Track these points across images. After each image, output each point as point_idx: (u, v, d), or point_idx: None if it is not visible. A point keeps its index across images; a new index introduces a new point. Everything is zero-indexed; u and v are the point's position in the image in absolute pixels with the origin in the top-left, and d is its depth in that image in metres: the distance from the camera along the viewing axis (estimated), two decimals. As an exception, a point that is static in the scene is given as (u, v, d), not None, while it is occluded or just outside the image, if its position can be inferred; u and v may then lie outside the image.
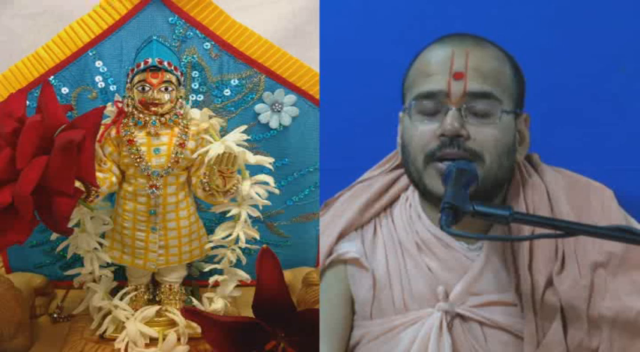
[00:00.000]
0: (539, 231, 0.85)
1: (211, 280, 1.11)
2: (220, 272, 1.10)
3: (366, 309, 0.96)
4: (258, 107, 1.24)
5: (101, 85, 1.20)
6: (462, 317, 0.92)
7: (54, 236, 1.04)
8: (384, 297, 0.95)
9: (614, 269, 0.90)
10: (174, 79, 1.02)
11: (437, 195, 0.90)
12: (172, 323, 1.09)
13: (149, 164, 1.03)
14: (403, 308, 0.93)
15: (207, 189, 1.02)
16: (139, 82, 1.01)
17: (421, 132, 0.91)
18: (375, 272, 0.96)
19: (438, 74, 0.91)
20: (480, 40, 0.93)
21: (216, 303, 1.10)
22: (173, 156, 1.03)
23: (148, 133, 1.03)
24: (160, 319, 1.10)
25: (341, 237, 0.98)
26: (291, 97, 1.24)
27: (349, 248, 0.97)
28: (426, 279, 0.93)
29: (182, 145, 1.03)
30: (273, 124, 1.25)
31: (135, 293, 1.12)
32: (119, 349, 1.04)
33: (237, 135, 1.04)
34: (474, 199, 0.82)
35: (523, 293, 0.90)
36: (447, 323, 0.91)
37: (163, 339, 1.04)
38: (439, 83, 0.90)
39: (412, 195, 0.99)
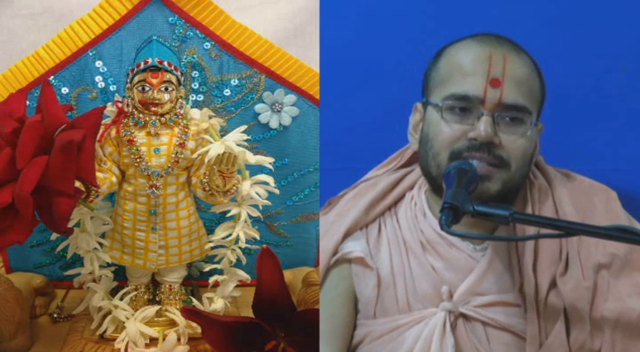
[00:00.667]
0: (543, 231, 0.85)
1: (211, 280, 1.11)
2: (220, 272, 1.10)
3: (370, 308, 0.96)
4: (258, 107, 1.24)
5: (101, 85, 1.20)
6: (466, 317, 0.92)
7: (54, 236, 1.04)
8: (388, 297, 0.95)
9: (617, 271, 0.90)
10: (174, 79, 1.02)
11: None
12: (172, 323, 1.09)
13: (149, 164, 1.03)
14: (407, 307, 0.93)
15: (207, 189, 1.02)
16: (139, 82, 1.01)
17: (451, 129, 0.91)
18: (380, 272, 0.96)
19: (474, 76, 0.90)
20: (516, 45, 0.93)
21: (216, 303, 1.10)
22: (173, 156, 1.03)
23: (148, 133, 1.03)
24: (160, 319, 1.10)
25: (346, 235, 0.98)
26: (291, 97, 1.24)
27: (354, 247, 0.97)
28: (430, 279, 0.93)
29: (182, 145, 1.03)
30: (273, 124, 1.25)
31: (135, 293, 1.12)
32: (119, 349, 1.04)
33: (237, 135, 1.04)
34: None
35: (527, 294, 0.90)
36: (450, 323, 0.91)
37: (163, 339, 1.04)
38: (476, 88, 0.89)
39: (417, 194, 0.99)
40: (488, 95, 0.89)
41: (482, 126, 0.88)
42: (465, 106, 0.90)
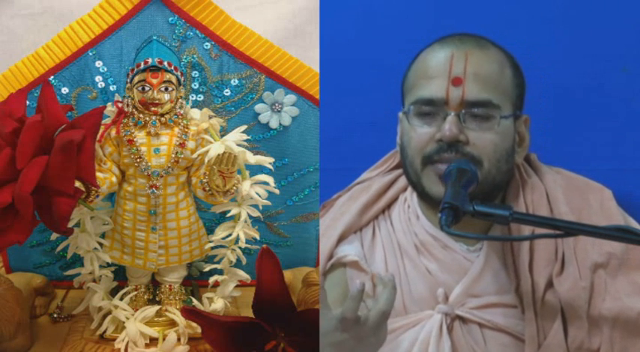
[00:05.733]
0: (539, 231, 0.85)
1: (211, 280, 1.11)
2: (220, 272, 1.11)
3: None
4: (258, 107, 1.24)
5: (101, 85, 1.20)
6: (462, 319, 0.91)
7: (54, 236, 1.04)
8: None
9: (614, 270, 0.90)
10: (174, 79, 1.02)
11: (435, 197, 0.90)
12: (172, 323, 1.09)
13: (149, 164, 1.03)
14: (403, 310, 0.93)
15: (207, 189, 1.02)
16: (139, 82, 1.01)
17: (419, 134, 0.91)
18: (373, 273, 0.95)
19: (437, 78, 0.90)
20: (481, 41, 0.93)
21: (216, 303, 1.10)
22: (173, 156, 1.03)
23: (148, 133, 1.03)
24: (160, 319, 1.10)
25: (341, 239, 0.98)
26: (291, 97, 1.24)
27: (349, 251, 0.97)
28: (426, 281, 0.93)
29: (182, 145, 1.03)
30: (273, 124, 1.25)
31: (135, 293, 1.12)
32: (119, 349, 1.04)
33: (237, 135, 1.04)
34: (472, 200, 0.82)
35: (524, 295, 0.90)
36: (446, 325, 0.90)
37: (163, 339, 1.04)
38: (438, 90, 0.90)
39: (410, 197, 0.99)
40: (451, 95, 0.89)
41: (447, 126, 0.89)
42: (429, 110, 0.90)
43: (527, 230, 0.91)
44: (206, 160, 1.01)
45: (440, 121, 0.90)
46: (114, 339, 1.06)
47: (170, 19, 1.19)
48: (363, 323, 0.79)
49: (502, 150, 0.91)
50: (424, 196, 0.93)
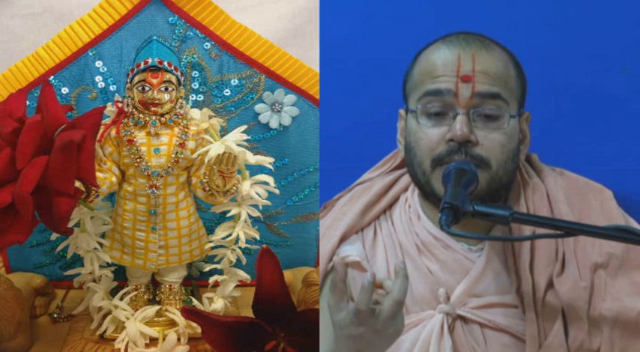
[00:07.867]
0: (539, 231, 0.85)
1: (211, 280, 1.11)
2: (220, 272, 1.11)
3: None
4: (258, 107, 1.24)
5: (101, 85, 1.20)
6: (463, 319, 0.91)
7: (54, 236, 1.04)
8: None
9: (615, 271, 0.90)
10: (174, 79, 1.03)
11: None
12: (172, 323, 1.09)
13: (149, 164, 1.03)
14: (404, 310, 0.93)
15: (207, 189, 1.03)
16: (139, 82, 1.01)
17: (429, 135, 0.91)
18: (376, 275, 0.95)
19: (444, 75, 0.90)
20: (486, 41, 0.93)
21: (216, 303, 1.10)
22: (173, 156, 1.03)
23: (148, 133, 1.03)
24: (160, 319, 1.10)
25: (342, 240, 0.98)
26: (291, 97, 1.24)
27: (350, 251, 0.97)
28: (427, 281, 0.93)
29: (182, 145, 1.03)
30: (273, 124, 1.25)
31: (135, 293, 1.12)
32: (119, 349, 1.04)
33: (237, 135, 1.04)
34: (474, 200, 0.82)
35: (524, 295, 0.90)
36: (448, 325, 0.90)
37: (163, 339, 1.04)
38: (447, 83, 0.90)
39: (412, 196, 0.99)
40: (461, 90, 0.89)
41: (458, 125, 0.88)
42: (438, 105, 0.90)
43: (527, 230, 0.91)
44: (206, 160, 1.01)
45: (449, 121, 0.90)
46: (114, 339, 1.06)
47: (170, 19, 1.19)
48: (377, 315, 0.79)
49: (509, 150, 0.91)
50: (432, 197, 0.93)
